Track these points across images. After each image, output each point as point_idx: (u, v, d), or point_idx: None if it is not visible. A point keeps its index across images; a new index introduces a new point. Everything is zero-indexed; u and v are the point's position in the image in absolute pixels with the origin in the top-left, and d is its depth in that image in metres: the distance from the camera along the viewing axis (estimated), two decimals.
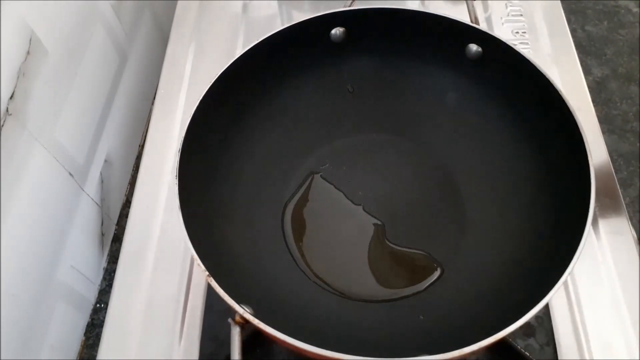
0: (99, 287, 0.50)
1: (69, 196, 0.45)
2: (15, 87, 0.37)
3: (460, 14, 0.42)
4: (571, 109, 0.36)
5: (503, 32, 0.57)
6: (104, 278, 0.51)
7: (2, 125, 0.36)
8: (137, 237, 0.45)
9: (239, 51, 0.40)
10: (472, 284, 0.38)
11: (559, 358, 0.38)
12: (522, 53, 0.39)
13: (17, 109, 0.38)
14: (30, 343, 0.40)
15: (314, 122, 0.47)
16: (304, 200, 0.44)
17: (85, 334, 0.48)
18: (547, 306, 0.41)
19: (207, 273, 0.30)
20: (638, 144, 0.69)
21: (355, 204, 0.44)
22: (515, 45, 0.39)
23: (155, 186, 0.48)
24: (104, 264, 0.52)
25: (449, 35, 0.42)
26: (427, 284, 0.39)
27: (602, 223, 0.44)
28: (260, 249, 0.40)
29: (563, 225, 0.35)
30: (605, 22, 0.81)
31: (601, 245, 0.43)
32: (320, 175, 0.46)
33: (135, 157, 0.59)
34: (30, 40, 0.39)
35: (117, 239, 0.54)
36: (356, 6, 0.43)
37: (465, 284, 0.38)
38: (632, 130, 0.70)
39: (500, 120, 0.43)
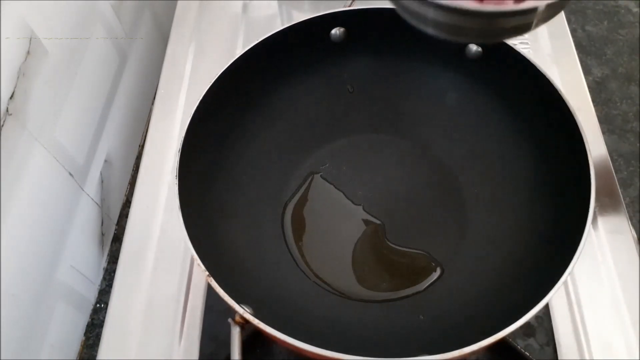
0: (99, 287, 0.50)
1: (69, 196, 0.45)
2: (15, 87, 0.37)
3: None
4: (571, 109, 0.36)
5: None
6: (104, 278, 0.51)
7: (2, 125, 0.36)
8: (137, 237, 0.45)
9: (239, 51, 0.40)
10: (472, 284, 0.38)
11: (559, 358, 0.38)
12: (522, 53, 0.39)
13: (17, 109, 0.38)
14: (30, 343, 0.40)
15: (314, 122, 0.47)
16: (303, 200, 0.44)
17: (85, 334, 0.48)
18: (547, 306, 0.41)
19: (207, 273, 0.30)
20: (638, 144, 0.69)
21: (355, 204, 0.44)
22: (515, 45, 0.39)
23: (155, 186, 0.48)
24: (104, 264, 0.52)
25: None
26: (427, 284, 0.39)
27: (602, 223, 0.44)
28: (261, 249, 0.40)
29: (563, 225, 0.35)
30: (605, 22, 0.81)
31: (601, 245, 0.43)
32: (320, 175, 0.46)
33: (135, 157, 0.59)
34: (30, 40, 0.39)
35: (117, 239, 0.54)
36: (356, 6, 0.43)
37: (465, 284, 0.38)
38: (632, 130, 0.70)
39: (500, 121, 0.43)
